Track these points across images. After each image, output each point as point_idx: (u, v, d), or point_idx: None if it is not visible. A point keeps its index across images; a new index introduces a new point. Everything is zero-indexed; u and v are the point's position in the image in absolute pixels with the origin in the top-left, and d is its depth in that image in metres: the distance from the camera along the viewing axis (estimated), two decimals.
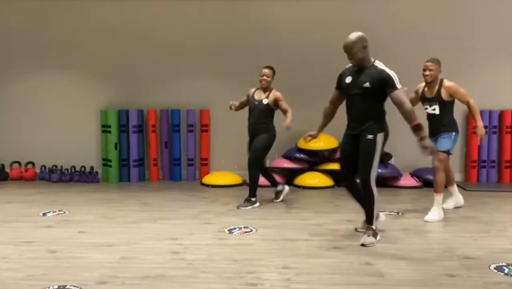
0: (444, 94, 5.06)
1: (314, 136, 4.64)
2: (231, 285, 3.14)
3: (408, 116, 4.03)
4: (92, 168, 7.42)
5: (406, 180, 6.85)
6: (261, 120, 5.50)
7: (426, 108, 5.20)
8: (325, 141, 6.94)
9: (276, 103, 5.49)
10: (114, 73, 7.50)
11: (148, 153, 7.41)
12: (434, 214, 4.92)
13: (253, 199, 5.50)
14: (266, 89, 5.53)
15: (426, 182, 6.82)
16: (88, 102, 7.53)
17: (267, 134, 5.51)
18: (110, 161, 7.23)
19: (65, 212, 5.19)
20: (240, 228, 4.53)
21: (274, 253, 3.81)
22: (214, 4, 7.37)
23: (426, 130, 4.56)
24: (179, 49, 7.42)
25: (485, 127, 7.10)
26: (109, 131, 7.18)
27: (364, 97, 4.15)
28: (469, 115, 7.21)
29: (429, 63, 5.13)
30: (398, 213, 5.22)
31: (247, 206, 5.42)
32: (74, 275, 3.31)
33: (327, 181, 6.81)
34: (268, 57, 7.34)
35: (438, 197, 4.99)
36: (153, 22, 7.43)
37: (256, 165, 5.52)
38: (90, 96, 7.53)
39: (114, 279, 3.23)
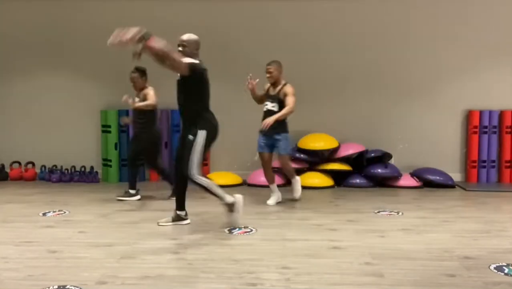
0: (281, 94, 5.42)
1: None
2: (231, 285, 3.14)
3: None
4: (92, 168, 7.42)
5: (406, 180, 6.85)
6: (139, 120, 5.80)
7: (266, 105, 5.53)
8: (325, 142, 6.94)
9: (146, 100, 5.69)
10: (114, 73, 7.50)
11: None
12: (298, 191, 5.72)
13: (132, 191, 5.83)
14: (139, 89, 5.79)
15: (426, 182, 6.83)
16: (88, 102, 7.53)
17: (145, 134, 5.76)
18: (110, 161, 7.23)
19: (65, 212, 5.19)
20: (240, 228, 4.53)
21: (274, 253, 3.81)
22: (214, 4, 7.38)
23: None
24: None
25: (485, 127, 7.15)
26: (109, 131, 7.18)
27: (180, 93, 4.40)
28: (469, 115, 7.23)
29: (269, 66, 5.47)
30: (398, 213, 5.22)
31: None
32: (74, 275, 3.31)
33: (327, 181, 6.81)
34: (267, 57, 7.35)
35: (297, 178, 5.73)
36: (153, 22, 7.41)
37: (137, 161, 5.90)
38: (90, 96, 7.54)
39: (114, 279, 3.23)
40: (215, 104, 7.52)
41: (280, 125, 5.42)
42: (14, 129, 7.65)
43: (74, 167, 7.43)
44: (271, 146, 5.55)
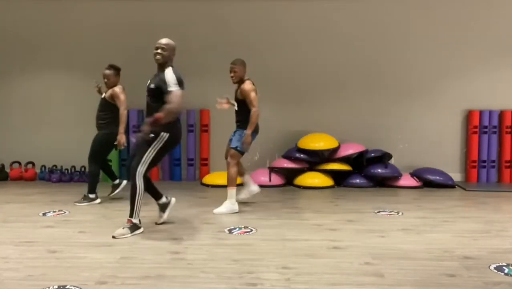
0: (239, 94, 5.21)
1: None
2: (231, 285, 3.14)
3: (165, 112, 4.09)
4: None
5: (406, 180, 6.85)
6: (101, 115, 5.70)
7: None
8: (325, 142, 6.94)
9: (113, 99, 5.60)
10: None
11: None
12: (223, 207, 5.15)
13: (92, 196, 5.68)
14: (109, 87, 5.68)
15: (426, 182, 6.83)
16: (88, 102, 7.51)
17: (105, 131, 5.68)
18: (110, 161, 7.21)
19: (65, 212, 5.19)
20: (240, 228, 4.53)
21: (274, 253, 3.81)
22: (214, 4, 7.38)
23: None
24: (179, 49, 7.39)
25: (485, 127, 7.15)
26: None
27: (150, 98, 4.38)
28: (469, 115, 7.23)
29: (232, 65, 5.23)
30: (398, 213, 5.22)
31: (84, 202, 5.61)
32: (74, 275, 3.31)
33: (327, 181, 6.81)
34: (266, 57, 7.36)
35: (231, 191, 5.16)
36: (153, 21, 7.43)
37: (91, 161, 5.74)
38: (90, 96, 7.52)
39: (114, 279, 3.23)
40: (215, 103, 7.55)
41: (243, 121, 5.19)
42: (14, 129, 7.65)
43: (74, 167, 7.43)
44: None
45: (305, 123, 7.26)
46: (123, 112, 5.54)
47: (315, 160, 6.96)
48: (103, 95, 5.74)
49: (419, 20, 7.27)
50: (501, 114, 7.19)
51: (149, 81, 4.45)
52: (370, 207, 5.46)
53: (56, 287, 3.09)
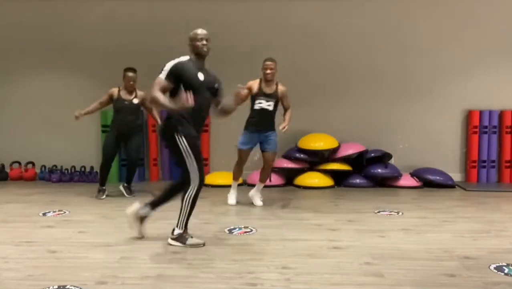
0: (279, 94, 5.45)
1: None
2: (231, 285, 3.14)
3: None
4: (92, 168, 7.42)
5: (406, 180, 6.85)
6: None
7: (260, 103, 5.41)
8: (325, 142, 6.94)
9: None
10: (114, 74, 7.48)
11: (148, 153, 7.41)
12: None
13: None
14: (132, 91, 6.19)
15: (426, 182, 6.83)
16: (88, 103, 7.51)
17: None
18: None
19: (65, 212, 5.19)
20: (240, 228, 4.53)
21: (274, 253, 3.81)
22: (215, 5, 7.37)
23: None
24: (179, 50, 7.40)
25: (485, 127, 7.15)
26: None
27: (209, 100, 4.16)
28: (469, 115, 7.23)
29: (270, 63, 5.38)
30: (398, 213, 5.22)
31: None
32: (74, 275, 3.31)
33: (327, 181, 6.81)
34: (264, 56, 7.35)
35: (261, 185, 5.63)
36: (153, 22, 7.43)
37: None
38: (90, 96, 7.51)
39: (114, 279, 3.23)
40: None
41: (275, 123, 5.51)
42: (14, 129, 7.65)
43: (74, 167, 7.43)
44: (257, 142, 5.51)
45: (305, 123, 7.26)
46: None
47: (315, 160, 6.96)
48: (134, 101, 6.10)
49: (419, 20, 7.27)
50: (501, 114, 7.19)
51: (202, 76, 4.07)
52: (370, 207, 5.46)
53: (56, 287, 3.09)
